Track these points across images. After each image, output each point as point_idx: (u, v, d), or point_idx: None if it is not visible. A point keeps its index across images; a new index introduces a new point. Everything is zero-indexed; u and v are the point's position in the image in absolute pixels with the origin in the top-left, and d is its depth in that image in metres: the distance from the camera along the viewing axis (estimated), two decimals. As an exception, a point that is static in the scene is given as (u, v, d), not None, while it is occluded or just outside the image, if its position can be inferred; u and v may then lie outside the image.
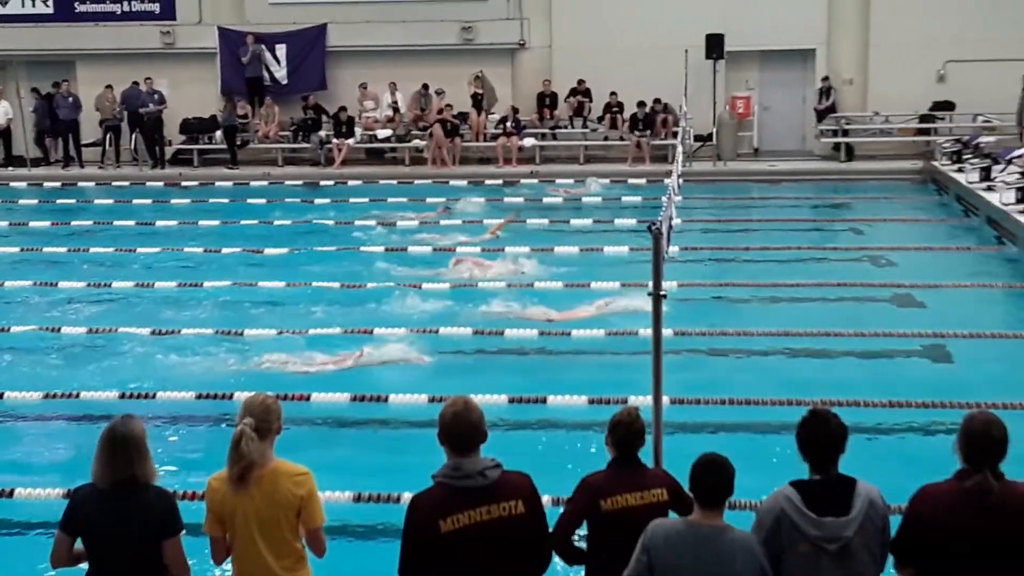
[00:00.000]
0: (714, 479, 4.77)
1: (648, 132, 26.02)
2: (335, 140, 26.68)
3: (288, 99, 27.99)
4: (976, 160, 21.72)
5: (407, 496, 4.98)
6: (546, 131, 27.25)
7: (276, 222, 20.64)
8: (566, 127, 27.38)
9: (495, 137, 26.53)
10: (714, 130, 25.93)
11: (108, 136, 26.94)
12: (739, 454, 5.12)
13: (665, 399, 7.01)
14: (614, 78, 26.43)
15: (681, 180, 16.36)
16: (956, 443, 4.78)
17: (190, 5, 28.66)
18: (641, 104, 26.02)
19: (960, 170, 22.33)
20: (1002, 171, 20.53)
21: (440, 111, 26.50)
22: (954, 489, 4.73)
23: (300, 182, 25.35)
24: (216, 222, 20.38)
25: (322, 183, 25.07)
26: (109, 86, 27.00)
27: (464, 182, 24.55)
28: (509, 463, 4.98)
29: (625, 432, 5.35)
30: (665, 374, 6.11)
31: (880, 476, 5.16)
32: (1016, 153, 20.86)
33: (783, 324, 13.01)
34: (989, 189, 20.06)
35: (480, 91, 26.96)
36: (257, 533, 5.13)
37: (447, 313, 13.81)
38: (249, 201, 23.06)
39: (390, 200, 22.37)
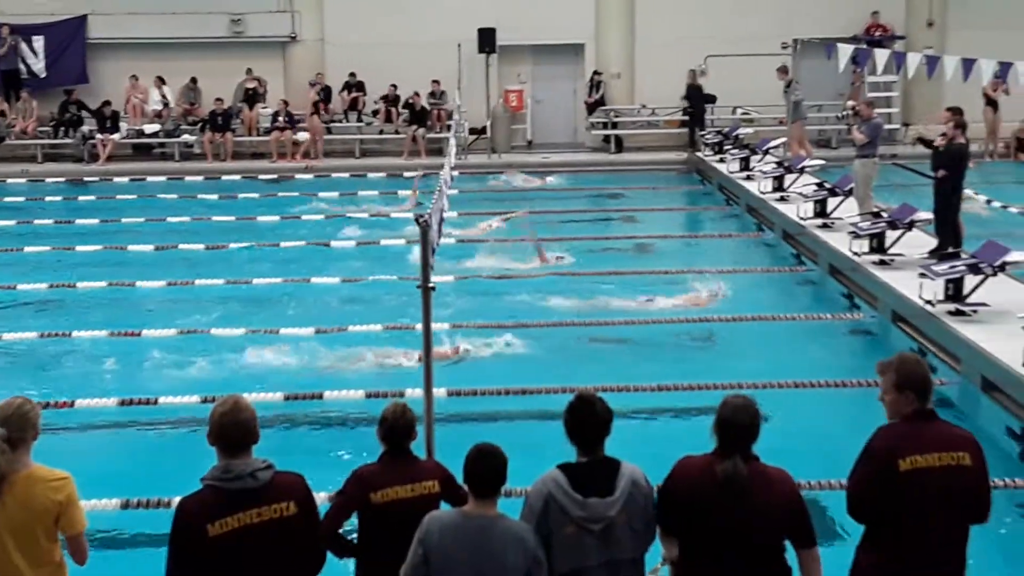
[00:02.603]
0: (486, 469, 4.83)
1: (421, 125, 26.04)
2: (99, 136, 25.66)
3: (47, 93, 26.76)
4: (736, 151, 22.69)
5: (176, 501, 4.86)
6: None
7: (37, 221, 19.73)
8: (341, 121, 27.16)
9: (268, 131, 26.06)
10: (488, 123, 26.25)
11: None
12: (513, 443, 5.19)
13: (442, 391, 7.09)
14: (389, 72, 26.32)
15: (455, 173, 16.47)
16: (712, 426, 4.97)
17: (-64, -5, 27.03)
18: (416, 95, 26.02)
19: (722, 160, 23.29)
20: (760, 161, 21.54)
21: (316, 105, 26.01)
22: (705, 468, 4.90)
23: (62, 179, 24.32)
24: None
25: (87, 180, 24.14)
26: None
27: (238, 177, 24.05)
28: (284, 462, 4.92)
29: (393, 425, 5.37)
30: (437, 367, 6.14)
31: (646, 458, 5.32)
32: (772, 144, 21.92)
33: (557, 315, 13.28)
34: (748, 178, 21.00)
35: (252, 87, 26.46)
36: (10, 541, 4.95)
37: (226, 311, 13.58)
38: (6, 200, 22.04)
39: (160, 196, 21.76)
